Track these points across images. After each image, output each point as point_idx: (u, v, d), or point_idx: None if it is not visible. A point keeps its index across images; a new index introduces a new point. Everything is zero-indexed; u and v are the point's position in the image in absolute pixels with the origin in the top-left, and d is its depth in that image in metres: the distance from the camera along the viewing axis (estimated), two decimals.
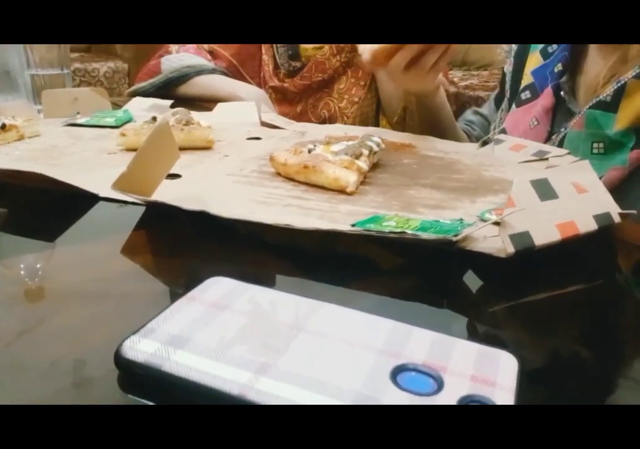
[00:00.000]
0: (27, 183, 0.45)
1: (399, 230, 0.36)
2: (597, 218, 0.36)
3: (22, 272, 0.35)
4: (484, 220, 0.41)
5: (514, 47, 0.82)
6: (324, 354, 0.23)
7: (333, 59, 0.95)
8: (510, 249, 0.32)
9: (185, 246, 0.38)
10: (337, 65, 0.95)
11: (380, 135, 0.58)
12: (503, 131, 0.75)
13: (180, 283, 0.34)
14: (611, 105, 0.60)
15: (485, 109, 0.90)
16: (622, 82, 0.60)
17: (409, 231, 0.34)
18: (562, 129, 0.66)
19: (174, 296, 0.31)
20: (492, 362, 0.23)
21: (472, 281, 0.36)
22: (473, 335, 0.30)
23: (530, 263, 0.35)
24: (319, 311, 0.26)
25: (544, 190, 0.35)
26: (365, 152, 0.50)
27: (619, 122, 0.60)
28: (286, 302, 0.26)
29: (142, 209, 0.42)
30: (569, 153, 0.59)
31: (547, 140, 0.70)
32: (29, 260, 0.37)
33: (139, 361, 0.22)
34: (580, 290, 0.35)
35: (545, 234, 0.33)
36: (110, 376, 0.23)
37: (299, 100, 0.98)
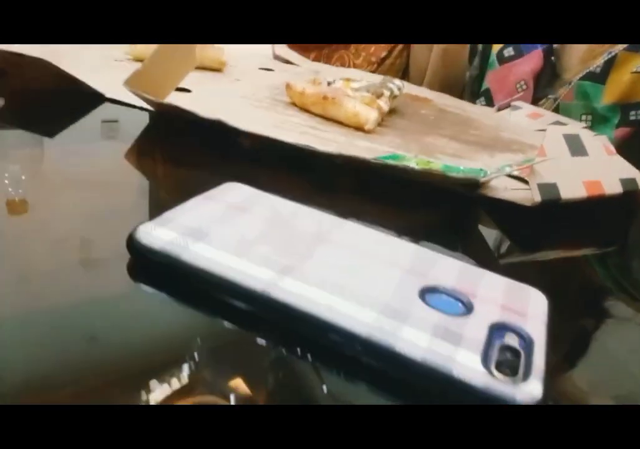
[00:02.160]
0: (29, 74, 0.42)
1: (421, 167, 0.34)
2: (623, 182, 0.35)
3: (22, 161, 0.32)
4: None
5: None
6: (349, 265, 0.21)
7: None
8: (537, 198, 0.31)
9: (194, 156, 0.36)
10: None
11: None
12: (487, 91, 0.73)
13: (190, 187, 0.32)
14: (600, 77, 0.59)
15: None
16: (614, 53, 0.58)
17: (434, 169, 0.33)
18: (552, 96, 0.65)
19: (186, 197, 0.29)
20: (522, 295, 0.22)
21: (488, 230, 0.35)
22: None
23: (548, 219, 0.34)
24: (343, 226, 0.25)
25: (576, 145, 0.34)
26: (387, 93, 0.48)
27: (607, 95, 0.59)
28: (308, 214, 0.25)
29: (149, 116, 0.40)
30: (585, 127, 0.58)
31: (532, 104, 0.69)
32: (29, 150, 0.34)
33: (155, 248, 0.20)
34: (596, 252, 0.35)
35: (572, 188, 0.32)
36: (119, 261, 0.21)
37: (313, 47, 0.94)
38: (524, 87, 0.69)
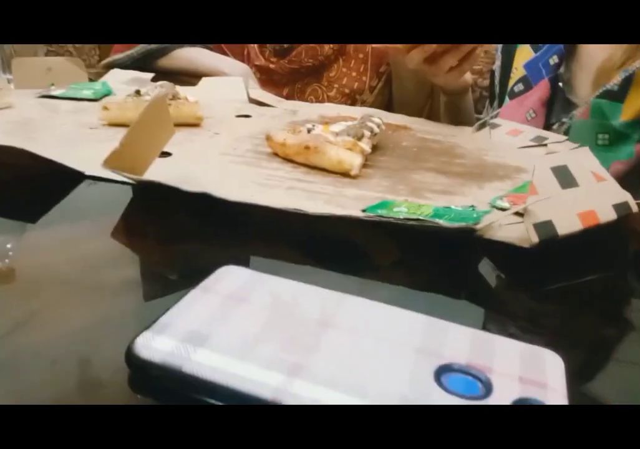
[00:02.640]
0: (3, 159, 0.41)
1: (414, 217, 0.34)
2: (616, 207, 0.35)
3: (4, 257, 0.32)
4: (495, 207, 0.39)
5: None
6: (359, 352, 0.21)
7: (326, 45, 0.91)
8: (535, 239, 0.31)
9: (182, 231, 0.36)
10: (329, 52, 0.90)
11: (376, 116, 0.56)
12: (496, 116, 0.74)
13: (183, 270, 0.31)
14: (618, 95, 0.60)
15: (484, 115, 0.89)
16: (631, 71, 0.59)
17: (427, 219, 0.33)
18: (566, 119, 0.66)
19: (179, 286, 0.29)
20: (537, 362, 0.21)
21: (486, 271, 0.35)
22: (498, 326, 0.28)
23: (544, 253, 0.33)
24: (345, 304, 0.24)
25: (565, 177, 0.34)
26: (367, 133, 0.48)
27: (625, 113, 0.59)
28: (308, 294, 0.24)
29: (132, 190, 0.39)
30: (567, 140, 0.58)
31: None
32: (10, 243, 0.33)
33: (155, 361, 0.19)
34: (598, 280, 0.34)
35: (567, 223, 0.32)
36: (119, 376, 0.20)
37: (285, 83, 0.93)
38: (533, 115, 0.70)
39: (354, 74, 0.91)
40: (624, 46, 0.61)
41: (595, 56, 0.67)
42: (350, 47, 0.91)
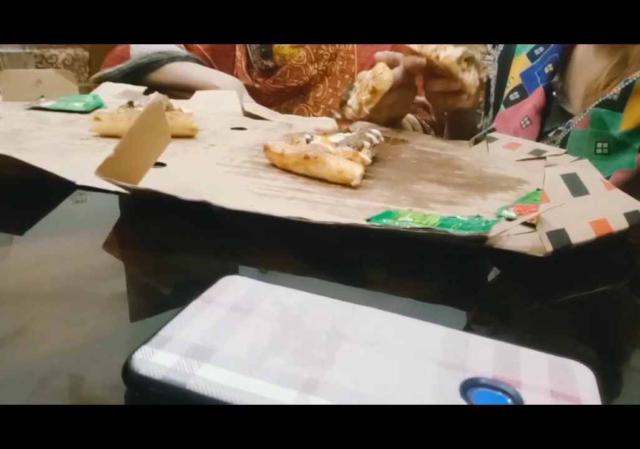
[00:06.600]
0: None
1: (420, 226, 0.33)
2: (627, 216, 0.34)
3: None
4: (501, 217, 0.38)
5: (496, 51, 0.82)
6: (377, 366, 0.19)
7: (310, 66, 0.90)
8: (549, 247, 0.29)
9: (178, 242, 0.34)
10: (314, 72, 0.90)
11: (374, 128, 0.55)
12: (493, 130, 0.74)
13: (181, 282, 0.29)
14: (618, 104, 0.59)
15: (480, 124, 0.89)
16: (631, 81, 0.59)
17: (436, 228, 0.31)
18: (562, 128, 0.65)
19: (178, 297, 0.27)
20: (567, 374, 0.20)
21: (495, 281, 0.33)
22: (516, 339, 0.27)
23: (552, 263, 0.32)
24: (357, 315, 0.22)
25: (575, 185, 0.33)
26: (367, 144, 0.47)
27: (625, 122, 0.59)
28: (317, 304, 0.23)
29: (125, 200, 0.38)
30: (566, 153, 0.58)
31: (539, 139, 0.69)
32: None
33: (156, 378, 0.18)
34: (609, 290, 0.33)
35: (580, 232, 0.31)
36: (116, 394, 0.18)
37: (272, 102, 0.93)
38: (528, 122, 0.70)
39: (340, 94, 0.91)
40: (609, 68, 0.62)
41: (585, 71, 0.67)
42: (336, 68, 0.91)
